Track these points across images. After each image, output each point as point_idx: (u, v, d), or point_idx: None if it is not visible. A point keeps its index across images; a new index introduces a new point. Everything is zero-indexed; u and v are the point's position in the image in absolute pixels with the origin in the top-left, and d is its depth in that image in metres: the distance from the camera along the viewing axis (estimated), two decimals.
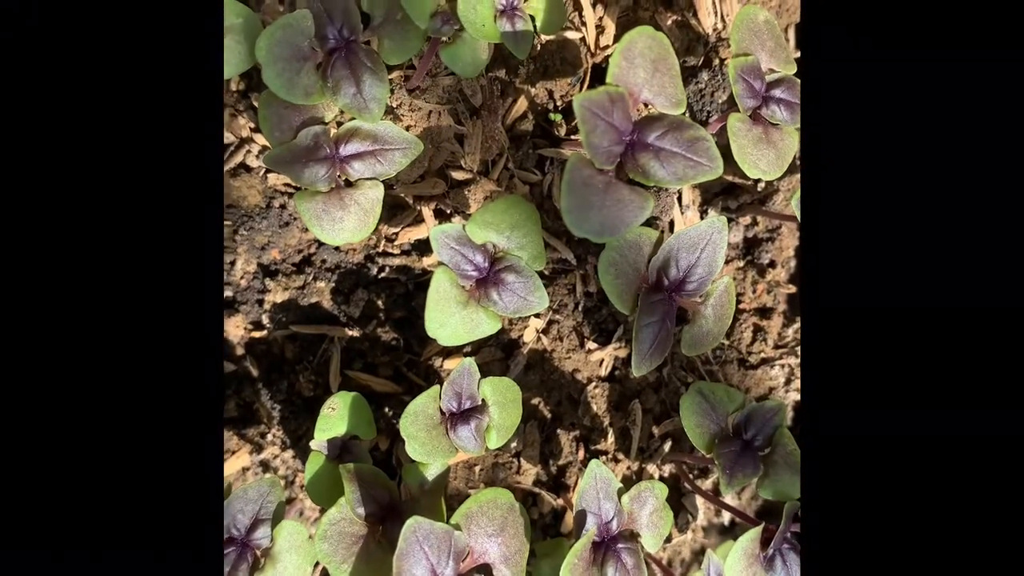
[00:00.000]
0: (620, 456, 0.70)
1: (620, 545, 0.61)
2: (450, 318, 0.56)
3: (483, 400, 0.62)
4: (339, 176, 0.58)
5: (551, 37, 0.65)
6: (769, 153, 0.57)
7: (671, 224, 0.68)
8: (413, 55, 0.58)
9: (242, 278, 0.72)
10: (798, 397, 0.73)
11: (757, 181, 0.71)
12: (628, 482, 0.68)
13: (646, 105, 0.54)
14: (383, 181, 0.60)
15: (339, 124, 0.60)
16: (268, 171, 0.70)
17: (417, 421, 0.59)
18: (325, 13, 0.57)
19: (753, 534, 0.61)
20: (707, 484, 0.72)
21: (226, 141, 0.71)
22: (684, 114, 0.54)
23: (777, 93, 0.58)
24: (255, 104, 0.70)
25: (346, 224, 0.58)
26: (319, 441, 0.62)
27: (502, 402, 0.62)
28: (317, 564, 0.67)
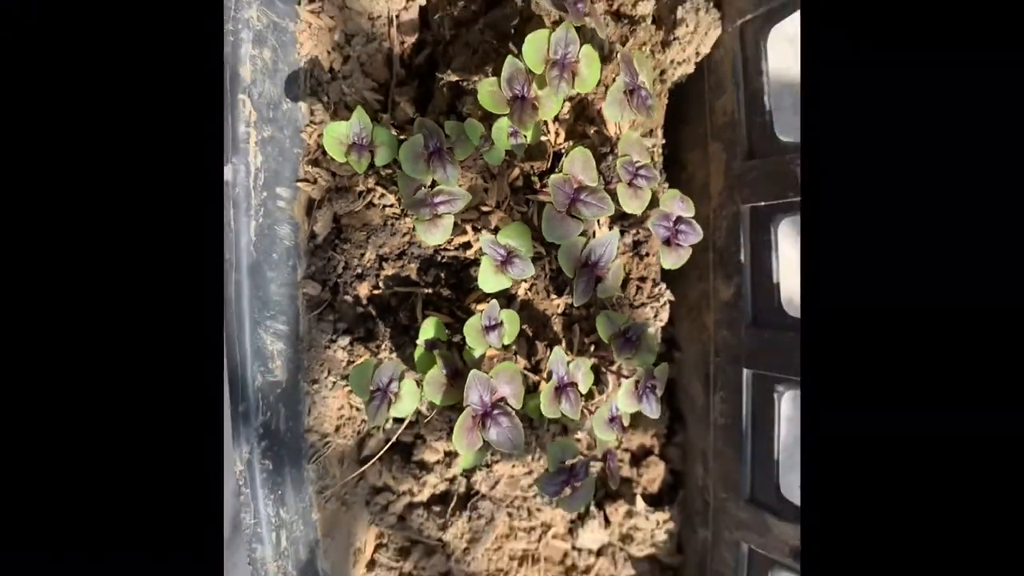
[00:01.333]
0: (568, 353, 1.33)
1: (568, 388, 1.24)
2: (490, 279, 1.19)
3: (501, 320, 1.24)
4: (433, 212, 1.20)
5: (533, 142, 1.29)
6: (637, 201, 1.21)
7: (593, 234, 1.32)
8: (470, 153, 1.20)
9: (368, 262, 1.33)
10: (660, 324, 1.37)
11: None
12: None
13: (579, 182, 1.17)
14: (452, 214, 1.23)
15: (433, 185, 1.22)
16: (385, 206, 1.32)
17: (471, 329, 1.21)
18: (428, 135, 1.18)
19: (630, 382, 1.24)
20: (613, 368, 1.36)
21: (358, 190, 1.32)
22: (598, 184, 1.18)
23: (641, 172, 1.22)
24: (379, 171, 1.31)
25: (437, 235, 1.19)
26: (421, 340, 1.24)
27: (510, 321, 1.24)
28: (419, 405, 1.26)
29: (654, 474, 1.51)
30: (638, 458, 1.52)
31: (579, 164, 1.16)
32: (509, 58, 1.12)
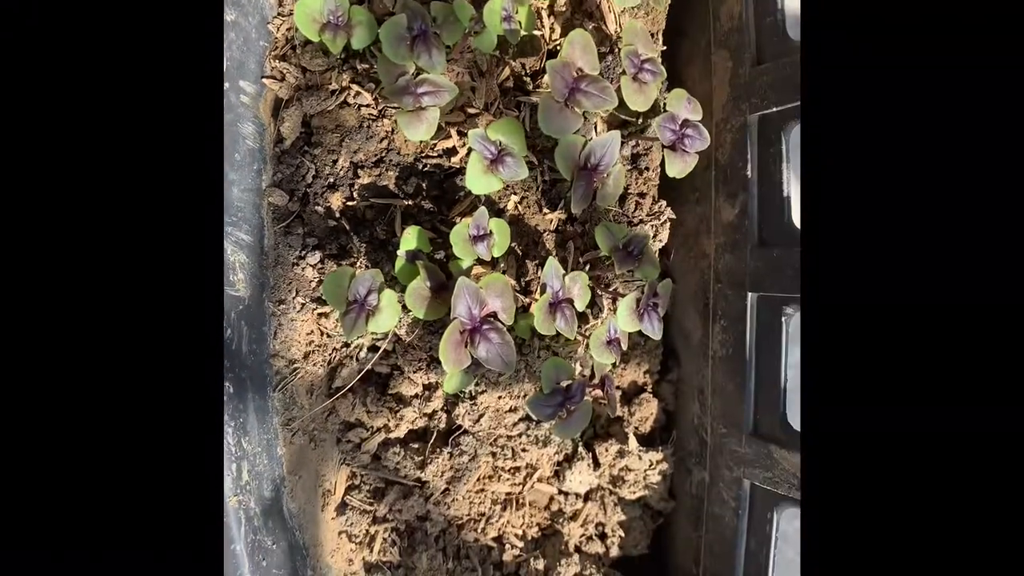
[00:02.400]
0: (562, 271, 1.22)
1: (563, 304, 1.13)
2: (479, 179, 1.07)
3: (490, 230, 1.12)
4: (417, 103, 1.08)
5: (526, 34, 1.17)
6: (641, 98, 1.10)
7: (591, 137, 1.20)
8: (457, 39, 1.08)
9: (341, 170, 1.20)
10: (660, 244, 1.27)
11: (637, 118, 1.24)
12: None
13: (580, 70, 1.06)
14: (437, 107, 1.10)
15: (417, 74, 1.09)
16: (361, 106, 1.19)
17: (457, 236, 1.09)
18: (412, 16, 1.06)
19: (631, 297, 1.13)
20: (609, 290, 1.25)
21: (333, 88, 1.19)
22: (599, 74, 1.07)
23: (646, 66, 1.11)
24: (355, 66, 1.18)
25: (421, 129, 1.07)
26: (402, 251, 1.12)
27: (499, 231, 1.12)
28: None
29: (646, 412, 1.41)
30: (629, 396, 1.42)
31: (579, 48, 1.04)
32: None
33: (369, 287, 1.06)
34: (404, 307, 1.09)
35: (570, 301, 1.11)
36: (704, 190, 1.34)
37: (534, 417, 1.08)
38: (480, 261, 1.12)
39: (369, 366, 1.22)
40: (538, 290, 1.20)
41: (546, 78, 1.17)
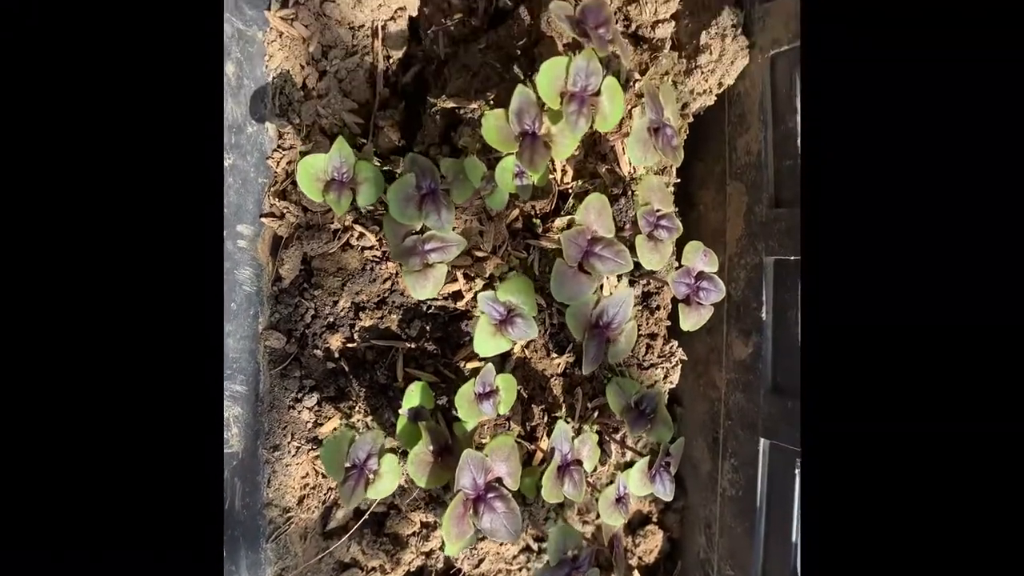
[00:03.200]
0: (569, 420, 1.18)
1: (572, 467, 1.09)
2: (486, 341, 1.02)
3: (496, 387, 1.08)
4: (424, 261, 1.03)
5: (540, 182, 1.12)
6: (656, 256, 1.05)
7: (601, 287, 1.16)
8: (468, 196, 1.04)
9: (342, 311, 1.15)
10: (670, 386, 1.23)
11: None
12: (577, 433, 1.16)
13: (594, 232, 1.01)
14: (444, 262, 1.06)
15: (422, 232, 1.05)
16: (364, 248, 1.14)
17: (463, 399, 1.04)
18: (421, 174, 1.01)
19: (643, 462, 1.09)
20: (618, 436, 1.21)
21: (333, 228, 1.14)
22: (613, 236, 1.02)
23: (662, 223, 1.07)
24: (359, 210, 1.12)
25: (428, 288, 1.02)
26: (404, 409, 1.07)
27: (506, 387, 1.08)
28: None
29: (651, 544, 1.36)
30: (634, 526, 1.38)
31: (595, 212, 1.00)
32: (519, 88, 0.95)
33: (369, 451, 1.02)
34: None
35: (579, 463, 1.07)
36: (715, 322, 1.29)
37: None
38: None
39: (367, 513, 1.17)
40: (544, 439, 1.16)
41: (558, 222, 1.12)
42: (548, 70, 0.93)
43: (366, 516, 1.18)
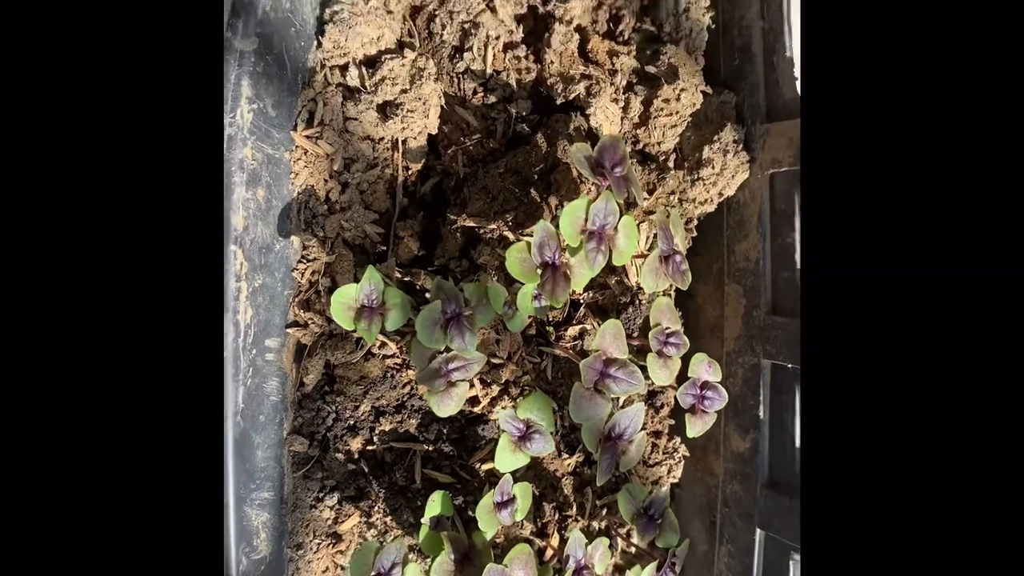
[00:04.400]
0: (579, 517, 1.24)
1: (585, 572, 1.15)
2: (507, 457, 1.08)
3: (513, 495, 1.14)
4: (448, 380, 1.08)
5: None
6: (666, 372, 1.12)
7: (616, 400, 1.22)
8: (490, 320, 1.09)
9: (362, 415, 1.20)
10: (674, 480, 1.29)
11: None
12: (585, 532, 1.22)
13: (609, 355, 1.08)
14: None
15: (448, 350, 1.10)
16: (385, 356, 1.19)
17: (483, 510, 1.10)
18: (446, 300, 1.07)
19: (652, 566, 1.16)
20: (623, 531, 1.27)
21: (357, 337, 1.19)
22: (628, 358, 1.09)
23: (671, 340, 1.13)
24: (384, 326, 1.17)
25: (450, 406, 1.08)
26: (426, 518, 1.12)
27: (522, 495, 1.14)
28: None
29: None
30: None
31: (610, 338, 1.06)
32: (542, 223, 1.01)
33: (393, 560, 1.07)
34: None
35: (590, 568, 1.13)
36: None
37: None
38: None
39: None
40: (554, 535, 1.22)
41: (570, 330, 1.18)
42: (570, 212, 0.99)
43: None
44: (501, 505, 1.10)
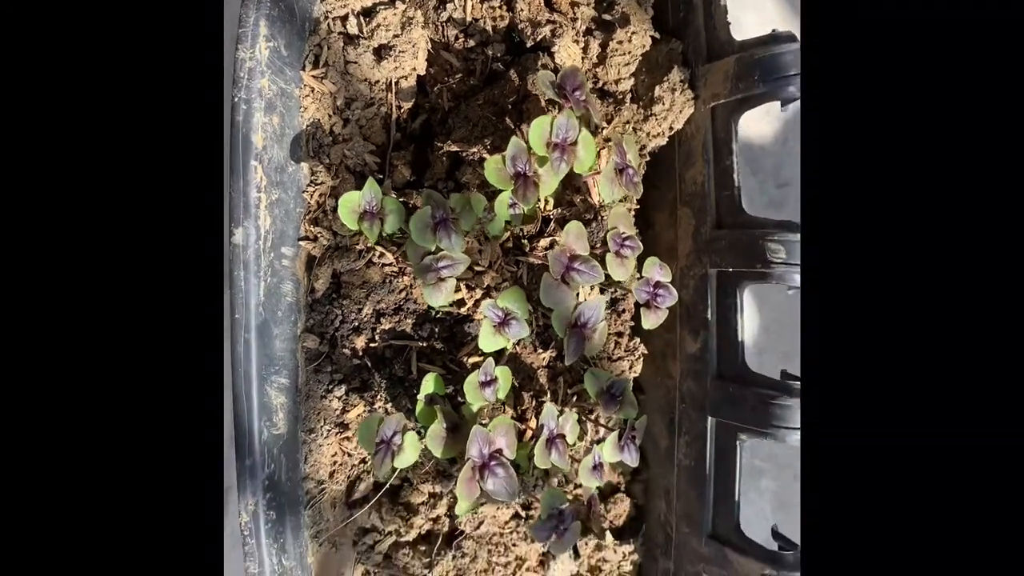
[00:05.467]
0: (553, 403, 1.43)
1: (557, 440, 1.34)
2: (489, 339, 1.27)
3: (495, 376, 1.33)
4: (438, 276, 1.28)
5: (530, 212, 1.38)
6: (622, 270, 1.32)
7: (577, 294, 1.42)
8: (473, 224, 1.29)
9: (365, 316, 1.40)
10: (635, 375, 1.49)
11: None
12: (560, 414, 1.41)
13: (572, 253, 1.27)
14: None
15: (437, 252, 1.29)
16: (384, 265, 1.39)
17: (470, 386, 1.30)
18: (435, 206, 1.26)
19: (614, 435, 1.35)
20: (593, 416, 1.47)
21: (359, 248, 1.39)
22: (588, 254, 1.28)
23: (627, 243, 1.33)
24: (383, 229, 1.37)
25: (440, 297, 1.27)
26: (422, 395, 1.32)
27: (503, 377, 1.33)
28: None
29: (620, 509, 1.63)
30: (605, 495, 1.64)
31: (573, 236, 1.26)
32: (514, 139, 1.21)
33: (395, 429, 1.26)
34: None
35: (563, 437, 1.32)
36: (671, 322, 1.56)
37: (536, 539, 1.29)
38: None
39: (387, 485, 1.41)
40: (532, 419, 1.41)
41: (542, 242, 1.38)
42: (537, 127, 1.19)
43: (386, 488, 1.42)
44: (485, 384, 1.29)
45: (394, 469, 1.28)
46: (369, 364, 1.37)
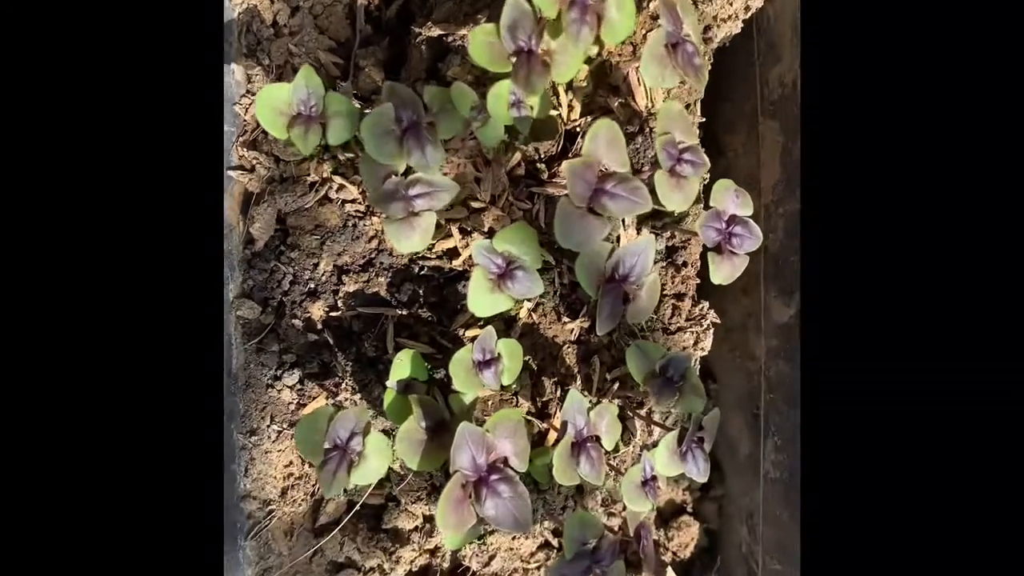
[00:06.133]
0: (585, 393, 1.03)
1: (589, 444, 0.93)
2: (483, 299, 0.88)
3: (499, 353, 0.94)
4: (409, 208, 0.89)
5: (540, 117, 0.98)
6: (680, 196, 0.91)
7: (618, 239, 1.01)
8: (457, 131, 0.90)
9: (323, 275, 1.02)
10: (702, 353, 1.07)
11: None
12: (593, 407, 1.01)
13: (604, 167, 0.87)
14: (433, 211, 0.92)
15: (406, 173, 0.91)
16: (345, 201, 1.01)
17: (459, 365, 0.90)
18: (401, 105, 0.88)
19: (672, 436, 0.93)
20: (643, 412, 1.05)
21: (311, 180, 1.01)
22: (628, 171, 0.88)
23: (686, 156, 0.91)
24: (336, 155, 1.00)
25: (414, 240, 0.88)
26: (392, 381, 0.93)
27: (510, 354, 0.93)
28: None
29: (686, 537, 1.21)
30: (666, 517, 1.22)
31: (604, 142, 0.85)
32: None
33: (352, 429, 0.88)
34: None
35: (596, 439, 0.92)
36: (751, 281, 1.14)
37: None
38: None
39: (360, 503, 1.03)
40: (556, 414, 1.01)
41: (565, 165, 0.98)
42: None
43: (358, 508, 1.04)
44: (483, 364, 0.90)
45: (349, 488, 0.90)
46: (330, 341, 0.99)
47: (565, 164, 0.82)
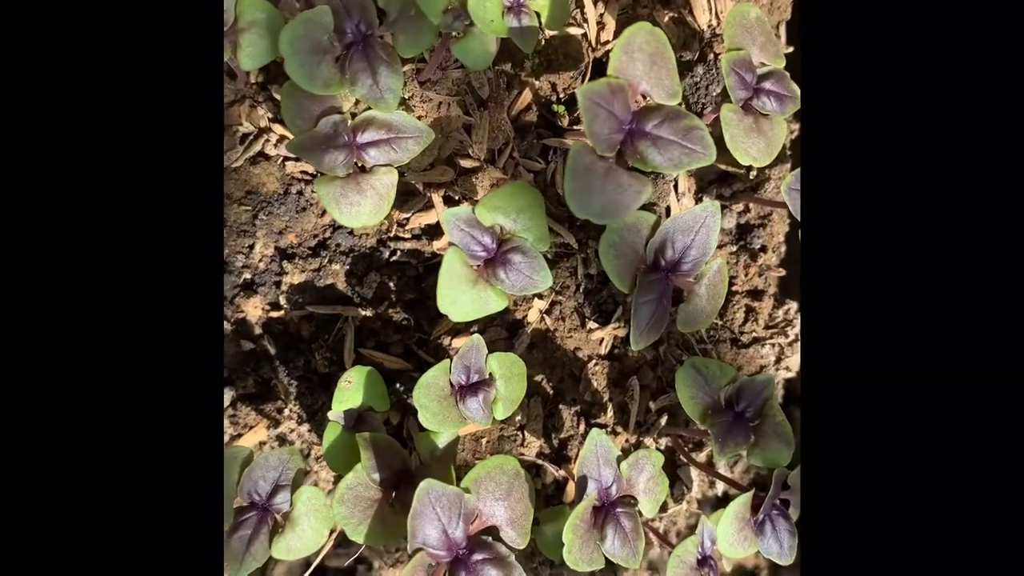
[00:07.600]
0: (619, 429, 0.74)
1: (619, 509, 0.65)
2: (460, 295, 0.60)
3: (490, 374, 0.65)
4: (356, 162, 0.62)
5: (555, 32, 0.69)
6: (760, 141, 0.61)
7: (667, 210, 0.72)
8: (425, 49, 0.62)
9: (260, 261, 0.75)
10: (788, 375, 0.77)
11: (749, 169, 0.74)
12: (626, 454, 0.72)
13: (644, 96, 0.58)
14: (396, 168, 0.64)
15: (354, 114, 0.64)
16: (287, 159, 0.74)
17: (429, 392, 0.63)
18: (343, 8, 0.60)
19: (744, 499, 0.64)
20: (701, 457, 0.76)
21: (244, 131, 0.75)
22: (680, 105, 0.58)
23: (767, 85, 0.62)
24: (274, 95, 0.73)
25: (363, 208, 0.62)
26: (336, 412, 0.66)
27: (508, 376, 0.66)
28: (332, 529, 0.71)
29: None
30: None
31: (643, 59, 0.57)
32: None
33: (275, 480, 0.61)
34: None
35: (631, 500, 0.63)
36: None
37: None
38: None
39: (315, 564, 0.77)
40: (577, 456, 0.72)
41: (586, 86, 0.69)
42: None
43: (316, 565, 0.78)
44: (466, 390, 0.62)
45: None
46: (271, 350, 0.73)
47: (580, 89, 0.53)
